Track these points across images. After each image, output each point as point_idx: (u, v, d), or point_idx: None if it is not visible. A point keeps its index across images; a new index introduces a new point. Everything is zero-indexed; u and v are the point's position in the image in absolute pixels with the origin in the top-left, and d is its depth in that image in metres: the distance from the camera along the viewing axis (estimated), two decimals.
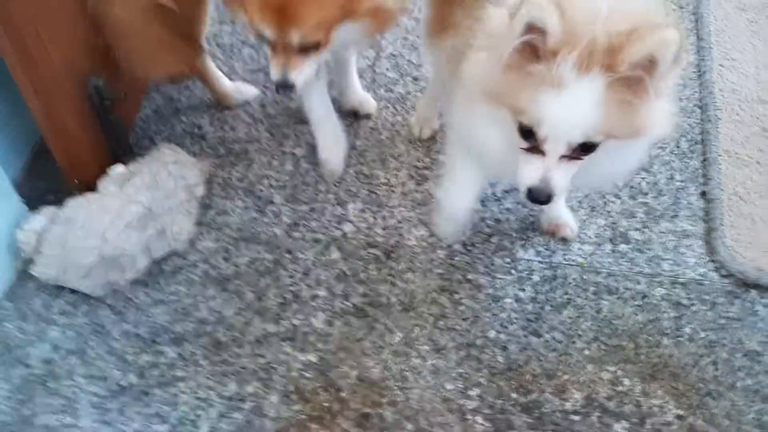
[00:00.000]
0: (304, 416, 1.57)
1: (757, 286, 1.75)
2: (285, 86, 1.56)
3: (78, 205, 1.70)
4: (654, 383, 1.61)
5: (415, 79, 2.26)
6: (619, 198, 1.95)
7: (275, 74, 1.55)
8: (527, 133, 1.20)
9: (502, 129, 1.25)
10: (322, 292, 1.78)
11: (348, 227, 1.91)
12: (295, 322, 1.73)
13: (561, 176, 1.22)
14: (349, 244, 1.88)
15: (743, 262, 1.76)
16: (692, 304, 1.73)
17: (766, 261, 1.76)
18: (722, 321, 1.70)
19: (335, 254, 1.86)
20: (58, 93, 1.70)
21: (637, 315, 1.72)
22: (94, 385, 1.63)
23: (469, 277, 1.80)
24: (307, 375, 1.64)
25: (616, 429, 1.54)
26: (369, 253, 1.86)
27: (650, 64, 1.09)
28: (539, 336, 1.69)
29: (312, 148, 2.06)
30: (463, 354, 1.66)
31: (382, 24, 1.60)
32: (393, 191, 1.99)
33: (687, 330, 1.69)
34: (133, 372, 1.65)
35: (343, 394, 1.61)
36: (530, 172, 1.22)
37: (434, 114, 2.08)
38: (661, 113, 1.19)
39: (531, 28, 1.11)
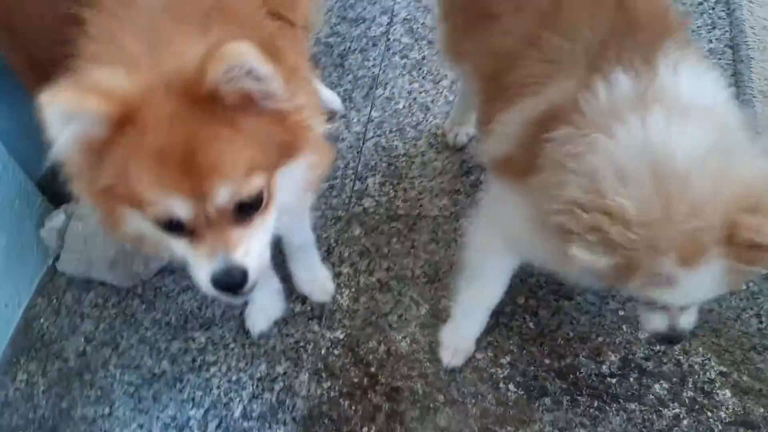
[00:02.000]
0: (335, 393, 1.57)
1: None
2: (231, 279, 0.99)
3: None
4: (694, 340, 1.54)
5: (431, 42, 2.20)
6: None
7: (207, 269, 0.99)
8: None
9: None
10: (346, 269, 1.76)
11: (368, 202, 1.88)
12: None
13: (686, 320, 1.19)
14: (371, 219, 1.85)
15: None
16: None
17: None
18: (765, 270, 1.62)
19: (357, 230, 1.83)
20: None
21: None
22: (128, 375, 1.65)
23: None
24: (336, 352, 1.63)
25: (656, 390, 1.49)
26: (391, 227, 1.83)
27: None
28: (570, 299, 1.64)
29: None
30: (492, 322, 1.62)
31: (324, 158, 1.19)
32: (413, 161, 1.95)
33: None
34: (165, 359, 1.66)
35: (372, 369, 1.59)
36: (657, 320, 1.19)
37: (469, 118, 1.92)
38: None
39: None
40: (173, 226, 0.98)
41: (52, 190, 1.89)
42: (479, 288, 1.49)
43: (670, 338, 1.20)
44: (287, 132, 1.02)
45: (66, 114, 0.90)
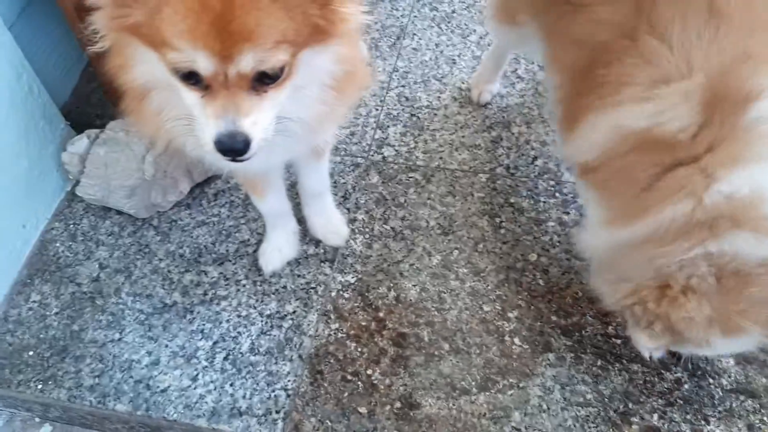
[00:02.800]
0: (342, 334, 1.59)
1: None
2: (234, 143, 0.99)
3: (119, 127, 1.71)
4: None
5: None
6: None
7: (213, 129, 0.99)
8: None
9: None
10: (361, 216, 1.77)
11: (388, 151, 1.88)
12: None
13: None
14: (389, 168, 1.85)
15: None
16: None
17: None
18: None
19: (375, 178, 1.83)
20: None
21: None
22: (140, 303, 1.68)
23: (512, 200, 1.75)
24: (346, 295, 1.65)
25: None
26: (409, 177, 1.83)
27: None
28: (583, 259, 1.64)
29: None
30: (503, 277, 1.63)
31: (353, 53, 1.17)
32: (435, 114, 1.94)
33: None
34: (177, 290, 1.69)
35: (380, 314, 1.61)
36: None
37: (496, 76, 1.93)
38: None
39: None
40: (189, 76, 0.97)
41: (75, 117, 1.91)
42: None
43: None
44: (323, 15, 1.00)
45: None
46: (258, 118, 1.00)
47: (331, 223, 1.71)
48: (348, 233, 1.72)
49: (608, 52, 1.19)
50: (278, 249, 1.68)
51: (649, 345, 1.16)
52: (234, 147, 0.99)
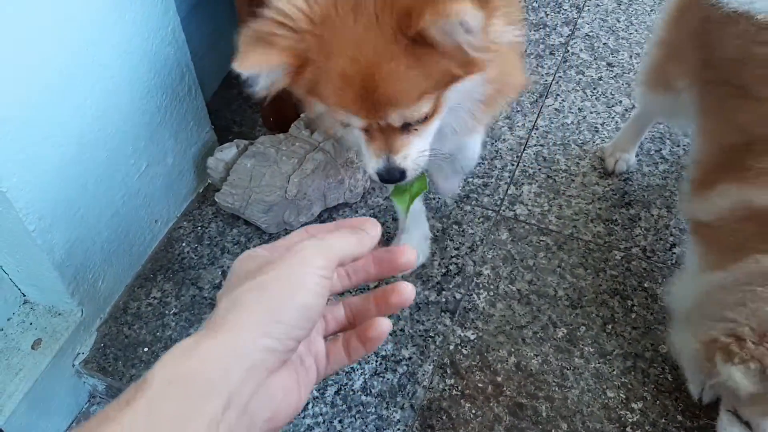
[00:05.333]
0: (457, 392, 1.55)
1: None
2: (391, 176, 1.16)
3: (270, 143, 1.72)
4: None
5: (610, 65, 2.14)
6: None
7: (374, 165, 1.16)
8: None
9: None
10: (487, 271, 1.74)
11: (520, 209, 1.85)
12: (457, 295, 1.70)
13: None
14: (520, 227, 1.82)
15: None
16: None
17: None
18: None
19: (504, 235, 1.81)
20: None
21: None
22: None
23: (645, 285, 1.70)
24: (464, 351, 1.61)
25: None
26: (540, 240, 1.79)
27: None
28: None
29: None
30: (630, 364, 1.58)
31: (508, 69, 1.24)
32: (573, 180, 1.91)
33: None
34: None
35: (498, 379, 1.57)
36: None
37: (634, 146, 1.90)
38: None
39: None
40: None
41: (214, 120, 1.93)
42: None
43: None
44: (467, 63, 1.06)
45: (252, 75, 1.05)
46: (409, 152, 1.16)
47: (455, 189, 1.81)
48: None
49: (765, 144, 1.25)
50: (425, 237, 1.74)
51: (744, 383, 1.12)
52: (392, 178, 1.18)
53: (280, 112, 1.86)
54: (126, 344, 1.64)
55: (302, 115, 1.80)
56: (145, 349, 1.63)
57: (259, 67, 1.04)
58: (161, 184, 1.73)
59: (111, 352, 1.63)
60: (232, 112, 2.06)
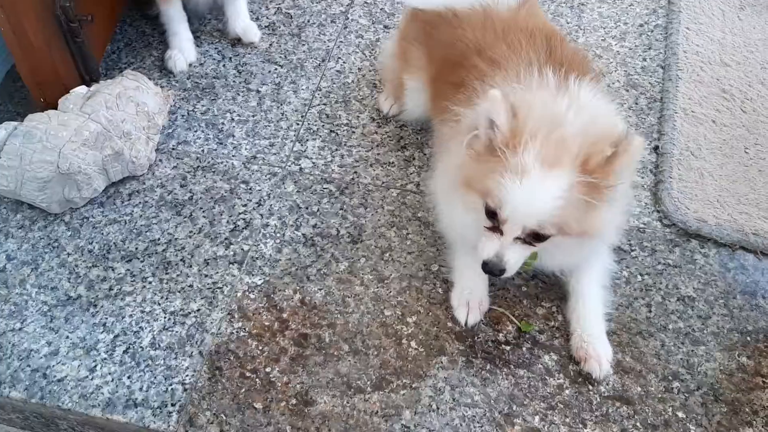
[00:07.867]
0: (244, 333, 1.62)
1: (698, 236, 1.79)
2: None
3: (37, 120, 1.73)
4: None
5: (386, 27, 2.29)
6: None
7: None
8: (491, 214, 1.35)
9: (475, 213, 1.40)
10: (273, 221, 1.83)
11: (305, 162, 1.95)
12: (245, 247, 1.77)
13: (513, 255, 1.39)
14: (305, 179, 1.92)
15: (686, 213, 1.80)
16: (632, 250, 1.77)
17: (708, 213, 1.80)
18: (660, 267, 1.74)
19: (290, 187, 1.90)
20: (25, 10, 1.73)
21: None
22: (44, 295, 1.67)
23: (419, 215, 1.84)
24: (251, 296, 1.68)
25: (545, 360, 1.58)
26: (323, 188, 1.90)
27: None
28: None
29: (276, 87, 2.11)
30: (405, 284, 1.70)
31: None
32: (353, 131, 2.03)
33: (624, 273, 1.73)
34: (82, 284, 1.69)
35: (284, 315, 1.65)
36: (488, 247, 1.39)
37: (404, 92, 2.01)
38: (610, 221, 1.39)
39: (491, 122, 1.29)
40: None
41: None
42: (465, 251, 1.62)
43: (495, 269, 1.40)
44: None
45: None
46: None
47: (248, 25, 2.24)
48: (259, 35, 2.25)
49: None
50: (182, 52, 2.16)
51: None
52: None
53: (48, 91, 1.86)
54: None
55: (72, 90, 1.82)
56: None
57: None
58: None
59: None
60: (16, 104, 2.05)
